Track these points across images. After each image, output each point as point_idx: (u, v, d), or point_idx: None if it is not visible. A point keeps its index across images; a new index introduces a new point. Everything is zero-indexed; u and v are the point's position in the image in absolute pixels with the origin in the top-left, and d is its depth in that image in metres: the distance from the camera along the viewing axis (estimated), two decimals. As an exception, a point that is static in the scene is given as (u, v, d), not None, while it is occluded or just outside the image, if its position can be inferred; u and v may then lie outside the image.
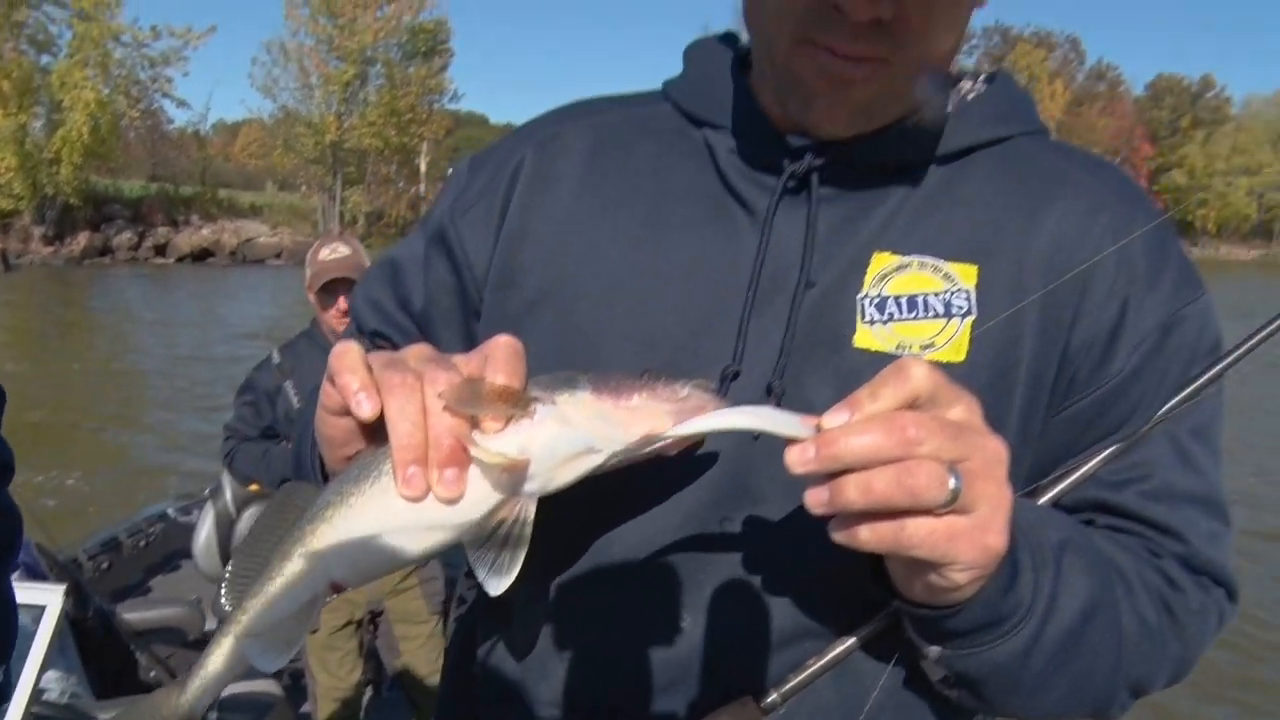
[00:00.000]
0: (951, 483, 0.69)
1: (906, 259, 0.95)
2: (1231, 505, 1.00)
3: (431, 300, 1.12)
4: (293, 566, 0.77)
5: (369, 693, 4.57)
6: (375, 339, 1.17)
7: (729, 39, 1.13)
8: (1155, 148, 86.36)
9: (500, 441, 0.73)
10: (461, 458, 0.72)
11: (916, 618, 0.83)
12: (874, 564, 0.83)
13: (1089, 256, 0.94)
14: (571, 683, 1.02)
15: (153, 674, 4.05)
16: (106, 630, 4.02)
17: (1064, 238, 0.96)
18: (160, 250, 38.20)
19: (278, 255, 39.69)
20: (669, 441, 0.77)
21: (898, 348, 0.93)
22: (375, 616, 4.20)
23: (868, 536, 0.72)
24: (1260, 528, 8.79)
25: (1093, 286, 0.94)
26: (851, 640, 0.91)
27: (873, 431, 0.68)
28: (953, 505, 0.70)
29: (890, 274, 0.95)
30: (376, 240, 41.51)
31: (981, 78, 1.06)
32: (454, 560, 4.00)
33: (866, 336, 0.94)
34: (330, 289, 3.90)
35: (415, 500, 0.72)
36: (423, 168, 50.35)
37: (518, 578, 0.76)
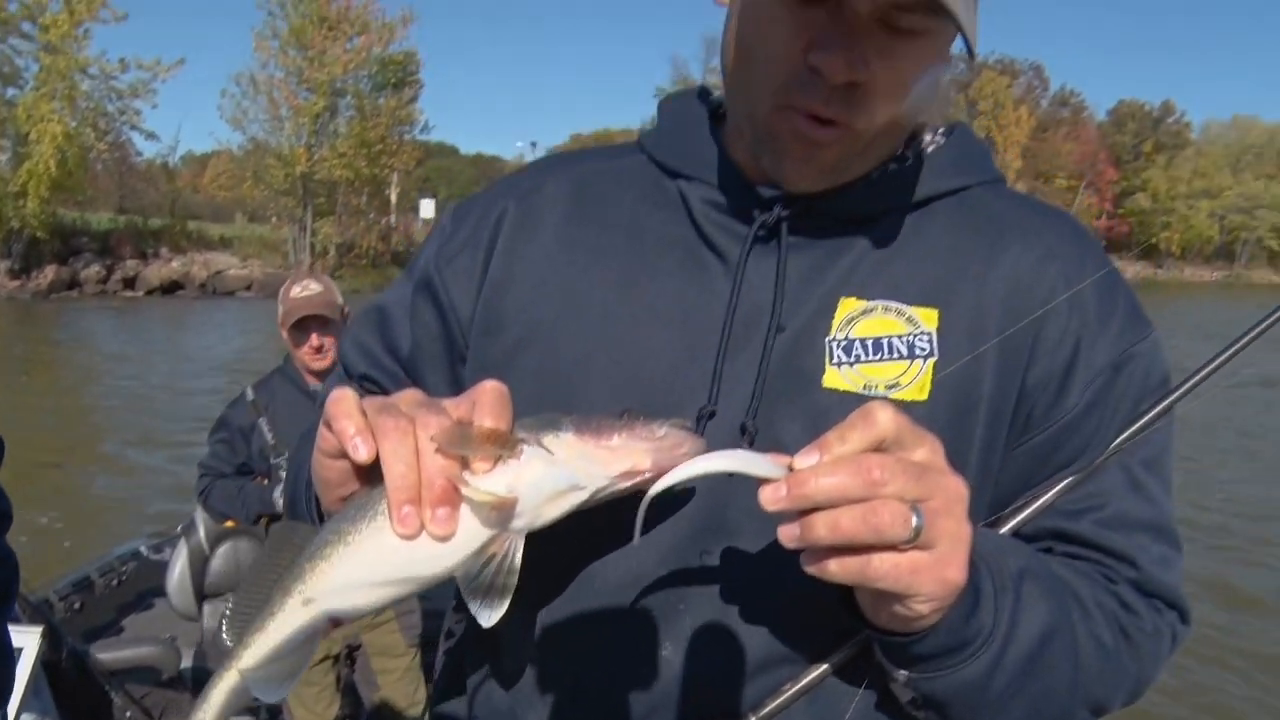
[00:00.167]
0: (914, 521, 0.74)
1: (871, 304, 1.01)
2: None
3: (418, 345, 1.17)
4: (293, 602, 0.80)
5: (347, 727, 4.54)
6: (364, 383, 1.21)
7: (701, 94, 1.18)
8: (1119, 172, 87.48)
9: (489, 481, 0.77)
10: (453, 497, 0.76)
11: (885, 644, 0.88)
12: (844, 594, 0.87)
13: (1043, 300, 1.00)
14: (558, 710, 1.05)
15: (129, 714, 4.02)
16: (81, 671, 3.99)
17: (1019, 283, 1.02)
18: (129, 283, 37.79)
19: (248, 287, 39.37)
20: (650, 478, 0.81)
21: (865, 388, 0.98)
22: (353, 651, 4.20)
23: (836, 569, 0.77)
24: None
25: (1047, 328, 1.00)
26: (825, 666, 0.95)
27: (840, 473, 0.74)
28: (915, 542, 0.75)
29: (856, 318, 1.00)
30: (347, 272, 41.28)
31: (941, 131, 1.12)
32: (431, 594, 4.00)
33: (835, 377, 0.99)
34: (302, 326, 3.93)
35: (410, 538, 0.76)
36: (393, 198, 50.22)
37: (507, 609, 0.80)
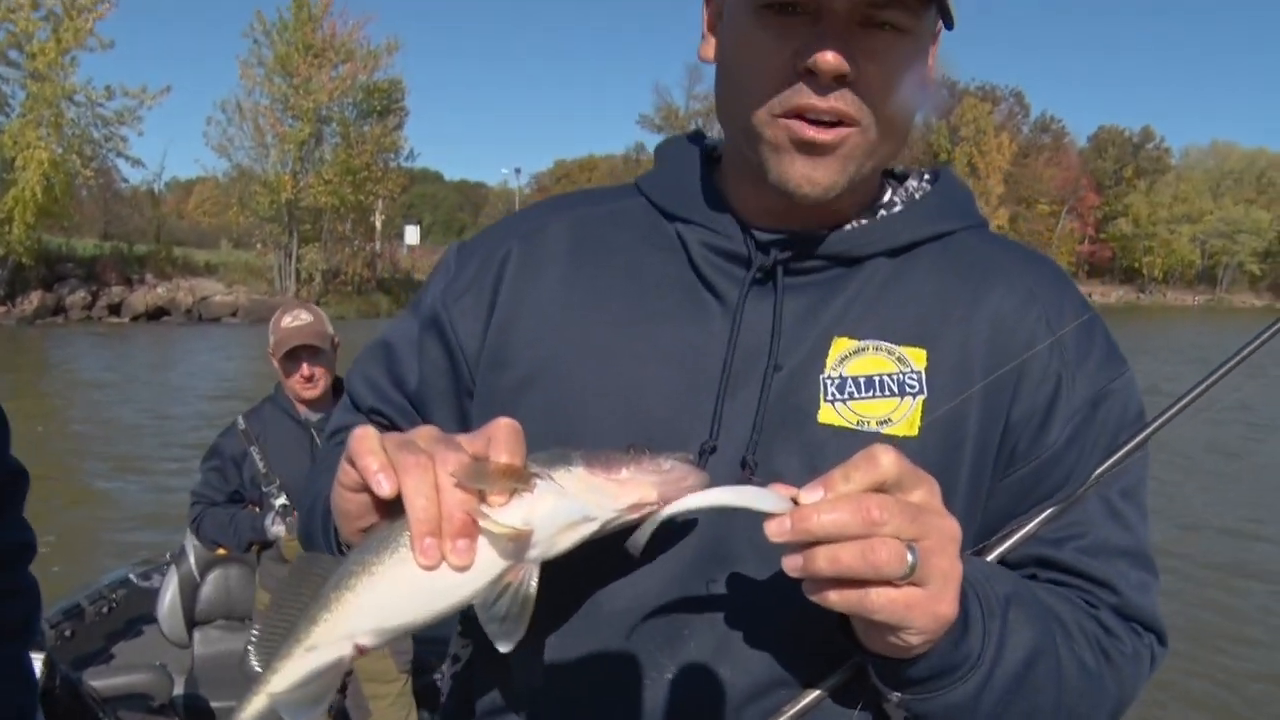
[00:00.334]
0: (909, 558, 0.80)
1: (863, 343, 1.06)
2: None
3: (425, 381, 1.21)
4: (320, 630, 0.84)
5: (338, 753, 4.54)
6: (371, 416, 1.25)
7: (697, 137, 1.24)
8: (1101, 197, 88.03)
9: (506, 514, 0.81)
10: (472, 529, 0.80)
11: (878, 667, 0.93)
12: (841, 620, 0.92)
13: (1025, 340, 1.06)
14: None
15: (122, 741, 4.02)
16: (74, 698, 3.98)
17: (1002, 324, 1.08)
18: (115, 309, 37.59)
19: (234, 313, 39.21)
20: (656, 510, 0.86)
21: (858, 423, 1.04)
22: (344, 676, 4.20)
23: (836, 599, 0.82)
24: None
25: (1029, 367, 1.06)
26: (822, 689, 1.00)
27: (841, 510, 0.79)
28: (910, 578, 0.80)
29: (849, 357, 1.06)
30: (333, 298, 41.22)
31: (926, 177, 1.18)
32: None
33: (829, 413, 1.04)
34: (293, 355, 3.98)
35: (431, 568, 0.79)
36: (378, 225, 50.19)
37: None
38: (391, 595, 0.82)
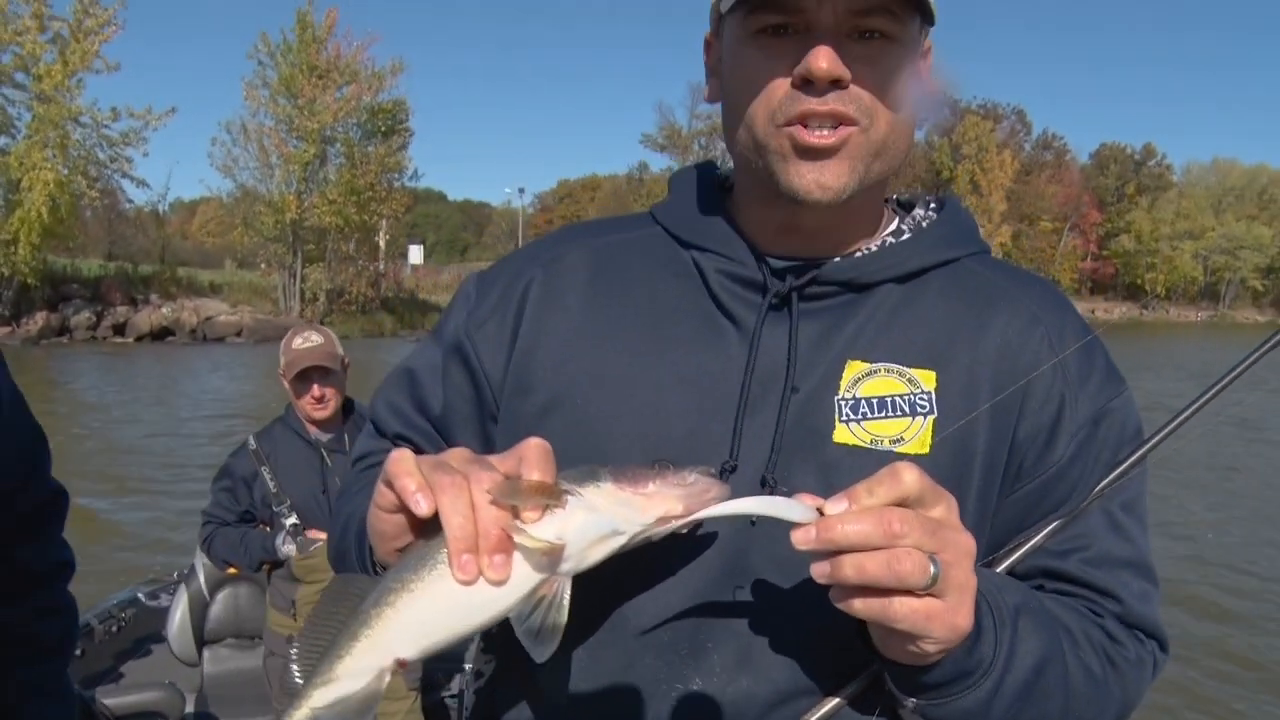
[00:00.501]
0: (932, 569, 0.84)
1: (875, 366, 1.11)
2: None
3: (450, 406, 1.25)
4: (361, 646, 0.87)
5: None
6: (397, 441, 1.29)
7: (708, 167, 1.29)
8: (1103, 214, 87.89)
9: (539, 529, 0.85)
10: (507, 545, 0.84)
11: (894, 673, 0.97)
12: (860, 628, 0.96)
13: (1030, 361, 1.11)
14: None
15: (135, 759, 4.04)
16: (87, 715, 4.01)
17: (1008, 345, 1.12)
18: (119, 329, 37.60)
19: (238, 333, 39.21)
20: (685, 521, 0.90)
21: (871, 442, 1.08)
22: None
23: (860, 607, 0.86)
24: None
25: (1034, 388, 1.11)
26: (841, 696, 1.04)
27: (864, 522, 0.83)
28: (930, 589, 0.84)
29: (862, 379, 1.10)
30: (337, 318, 41.26)
31: (931, 205, 1.23)
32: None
33: (844, 433, 1.09)
34: (304, 377, 4.01)
35: (469, 583, 0.83)
36: (382, 245, 50.25)
37: None
38: (431, 610, 0.86)
